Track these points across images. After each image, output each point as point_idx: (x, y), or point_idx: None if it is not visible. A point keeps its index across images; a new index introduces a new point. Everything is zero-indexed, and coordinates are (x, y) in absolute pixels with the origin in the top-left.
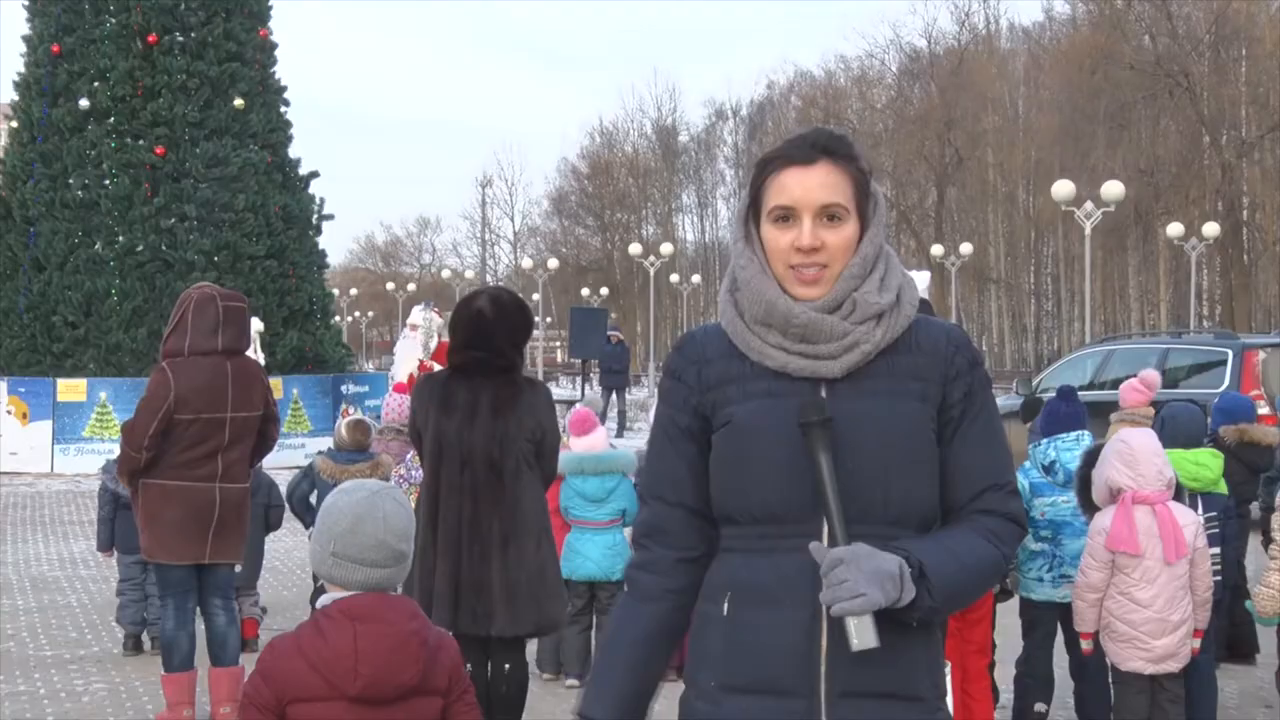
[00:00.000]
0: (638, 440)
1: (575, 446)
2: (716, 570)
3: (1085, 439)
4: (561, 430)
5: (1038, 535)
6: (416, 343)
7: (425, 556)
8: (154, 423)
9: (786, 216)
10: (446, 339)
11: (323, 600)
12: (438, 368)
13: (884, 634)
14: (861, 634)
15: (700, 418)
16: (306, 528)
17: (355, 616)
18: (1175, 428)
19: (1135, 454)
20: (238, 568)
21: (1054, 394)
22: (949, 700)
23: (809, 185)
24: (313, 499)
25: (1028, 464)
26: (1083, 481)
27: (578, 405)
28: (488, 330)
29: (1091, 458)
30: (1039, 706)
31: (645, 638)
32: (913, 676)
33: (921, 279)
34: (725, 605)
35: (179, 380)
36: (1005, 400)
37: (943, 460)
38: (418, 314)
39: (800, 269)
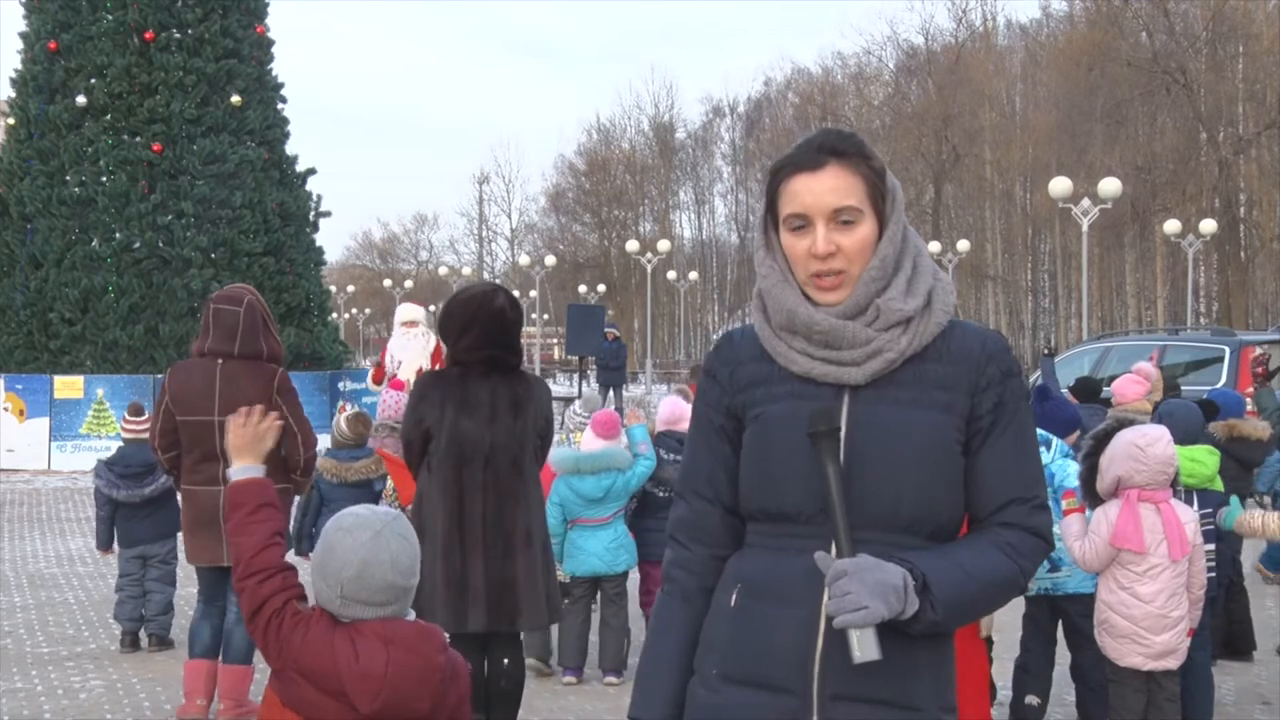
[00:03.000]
0: None
1: (587, 446)
2: (733, 563)
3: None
4: (569, 428)
5: None
6: (422, 339)
7: (451, 557)
8: (157, 423)
9: (801, 224)
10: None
11: (349, 616)
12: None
13: (885, 642)
14: (864, 646)
15: (733, 418)
16: (299, 553)
17: (390, 640)
18: (1173, 425)
19: (1148, 452)
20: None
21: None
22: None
23: (818, 191)
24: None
25: None
26: (1089, 470)
27: (579, 403)
28: (510, 329)
29: (1100, 444)
30: (1030, 699)
31: (689, 641)
32: (910, 686)
33: None
34: (734, 596)
35: (170, 383)
36: None
37: (969, 470)
38: (416, 311)
39: (820, 277)
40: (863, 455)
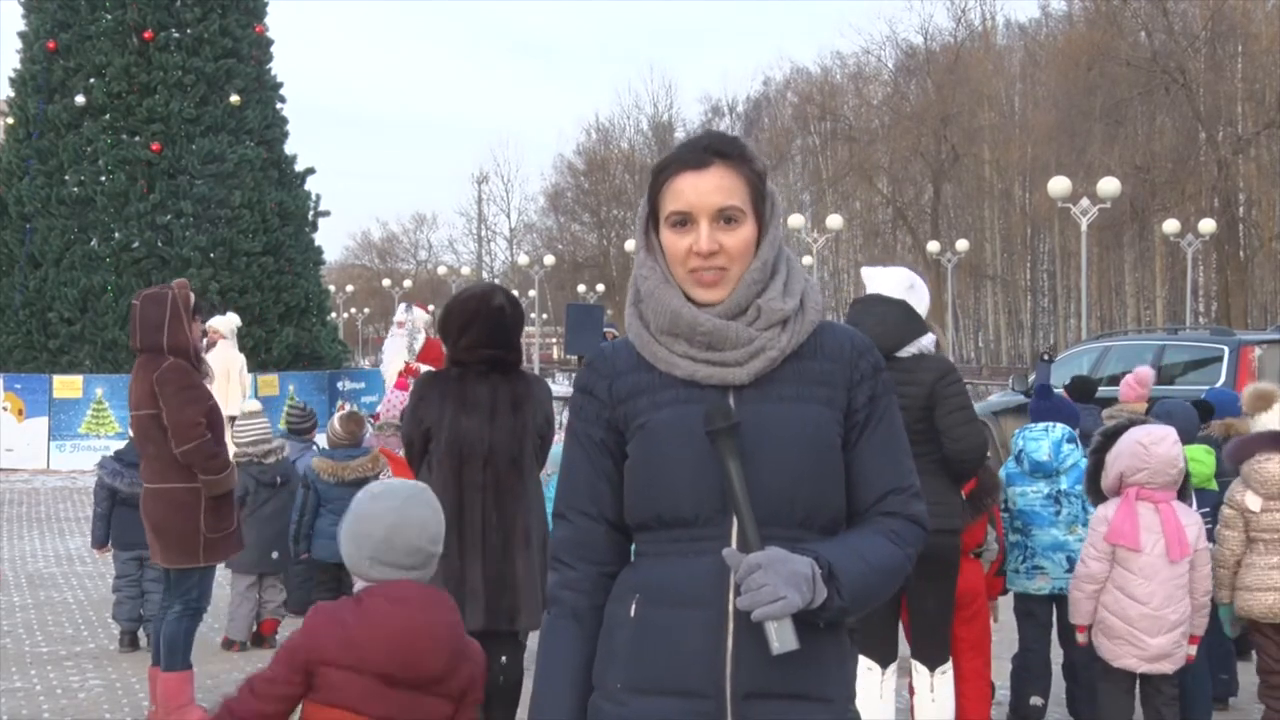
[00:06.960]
0: None
1: None
2: (626, 573)
3: (1055, 430)
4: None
5: (1011, 526)
6: (401, 339)
7: (449, 557)
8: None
9: (683, 221)
10: (432, 337)
11: (360, 584)
12: (423, 368)
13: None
14: (782, 637)
15: (614, 431)
16: (299, 553)
17: (396, 600)
18: (1171, 424)
19: (1152, 450)
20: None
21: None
22: (949, 698)
23: (703, 189)
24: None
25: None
26: (1094, 467)
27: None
28: (507, 328)
29: (1108, 442)
30: (1034, 699)
31: (584, 663)
32: (821, 678)
33: (911, 281)
34: (633, 607)
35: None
36: (1002, 397)
37: (847, 464)
38: (403, 312)
39: (699, 272)
40: (754, 454)
